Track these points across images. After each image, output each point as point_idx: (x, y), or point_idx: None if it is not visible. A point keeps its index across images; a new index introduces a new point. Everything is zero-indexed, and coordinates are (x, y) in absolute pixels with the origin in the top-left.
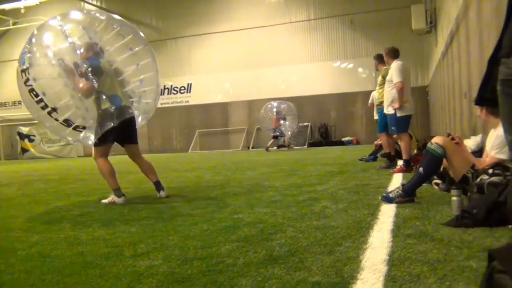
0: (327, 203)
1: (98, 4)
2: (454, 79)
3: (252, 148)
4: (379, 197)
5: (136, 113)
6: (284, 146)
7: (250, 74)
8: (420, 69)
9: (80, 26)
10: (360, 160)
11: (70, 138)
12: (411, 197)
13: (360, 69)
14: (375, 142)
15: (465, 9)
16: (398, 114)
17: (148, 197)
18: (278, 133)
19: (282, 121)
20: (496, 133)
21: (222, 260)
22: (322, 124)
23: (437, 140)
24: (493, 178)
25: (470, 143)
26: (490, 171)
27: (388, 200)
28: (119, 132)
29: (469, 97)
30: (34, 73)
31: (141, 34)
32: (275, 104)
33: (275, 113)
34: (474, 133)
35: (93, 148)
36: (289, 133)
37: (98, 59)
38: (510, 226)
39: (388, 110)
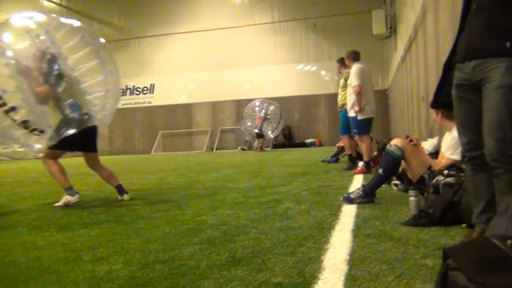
0: (290, 204)
1: (58, 1)
2: (413, 83)
3: (216, 149)
4: (341, 198)
5: (98, 121)
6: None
7: (214, 75)
8: (381, 73)
9: (43, 29)
10: (323, 161)
11: (18, 143)
12: (371, 197)
13: (323, 72)
14: (337, 144)
15: (423, 16)
16: (359, 117)
17: (109, 200)
18: (258, 130)
19: (265, 121)
20: (451, 135)
21: (184, 263)
22: (285, 126)
23: (396, 142)
24: (448, 179)
25: (427, 145)
26: (446, 172)
27: (349, 200)
28: (78, 140)
29: (426, 100)
30: None
31: (103, 40)
32: (257, 103)
33: (257, 110)
34: (431, 135)
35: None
36: (271, 134)
37: (59, 64)
38: (464, 225)
39: (351, 113)
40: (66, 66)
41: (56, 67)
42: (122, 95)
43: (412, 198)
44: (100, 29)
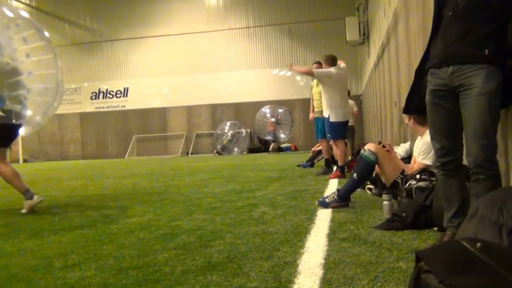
0: (266, 208)
1: (27, 2)
2: (385, 89)
3: (191, 154)
4: (316, 202)
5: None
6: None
7: (189, 80)
8: (355, 78)
9: None
10: (298, 166)
11: None
12: (345, 201)
13: (298, 77)
14: (312, 149)
15: (395, 23)
16: (332, 120)
17: (81, 205)
18: (271, 136)
19: (276, 126)
20: (423, 141)
21: (159, 268)
22: None
23: (369, 147)
24: (420, 183)
25: (400, 150)
26: (418, 176)
27: (324, 205)
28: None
29: (399, 106)
30: None
31: (46, 32)
32: (267, 110)
33: (268, 116)
34: (404, 140)
35: None
36: (283, 137)
37: None
38: (435, 228)
39: (325, 114)
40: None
41: None
42: (95, 98)
43: (385, 202)
44: (71, 31)
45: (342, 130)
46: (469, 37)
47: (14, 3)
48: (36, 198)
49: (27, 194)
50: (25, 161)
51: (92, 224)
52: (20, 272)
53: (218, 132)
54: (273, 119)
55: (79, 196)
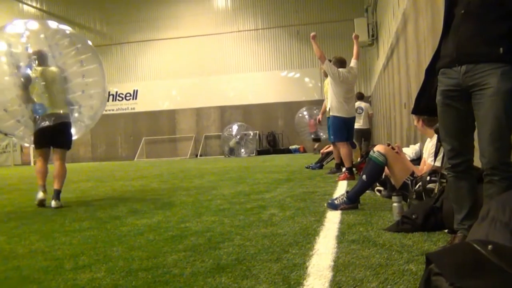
0: (274, 210)
1: (38, 6)
2: (395, 90)
3: (200, 156)
4: (325, 204)
5: (75, 119)
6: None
7: (198, 82)
8: (363, 80)
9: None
10: (307, 168)
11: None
12: (355, 203)
13: (306, 79)
14: (322, 151)
15: (404, 24)
16: (331, 113)
17: (91, 206)
18: (314, 136)
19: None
20: (433, 142)
21: (168, 270)
22: (270, 132)
23: (379, 148)
24: (431, 185)
25: (409, 151)
26: (428, 178)
27: (333, 207)
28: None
29: (408, 107)
30: None
31: (90, 42)
32: (305, 112)
33: (307, 117)
34: (413, 141)
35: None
36: (323, 136)
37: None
38: (446, 230)
39: (329, 114)
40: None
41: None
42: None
43: (395, 204)
44: (81, 35)
45: (342, 130)
46: (483, 35)
47: (25, 8)
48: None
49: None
50: (36, 163)
51: (102, 225)
52: (31, 273)
53: (226, 134)
54: (312, 120)
55: (89, 198)
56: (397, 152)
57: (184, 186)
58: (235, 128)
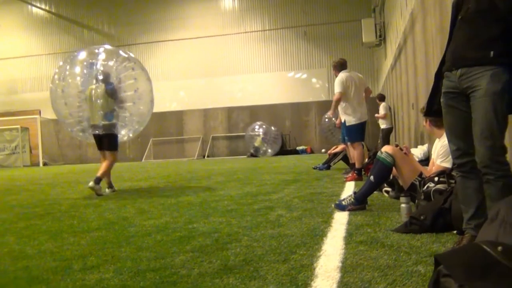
0: (282, 211)
1: (47, 8)
2: (402, 90)
3: (208, 156)
4: (332, 205)
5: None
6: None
7: (205, 83)
8: (371, 80)
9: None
10: (314, 168)
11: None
12: (362, 204)
13: (313, 80)
14: (329, 151)
15: (412, 24)
16: (347, 124)
17: (99, 207)
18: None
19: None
20: (441, 143)
21: (176, 271)
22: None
23: (387, 149)
24: (439, 186)
25: (417, 152)
26: (436, 179)
27: (341, 208)
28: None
29: (416, 108)
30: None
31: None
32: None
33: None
34: (421, 142)
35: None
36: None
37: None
38: (455, 231)
39: (342, 119)
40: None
41: (111, 86)
42: None
43: (403, 205)
44: (89, 36)
45: (359, 132)
46: (475, 40)
47: (35, 10)
48: (108, 191)
49: (110, 186)
50: (45, 164)
51: (110, 226)
52: (40, 273)
53: (250, 133)
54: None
55: (97, 199)
56: (405, 153)
57: (192, 187)
58: (257, 127)
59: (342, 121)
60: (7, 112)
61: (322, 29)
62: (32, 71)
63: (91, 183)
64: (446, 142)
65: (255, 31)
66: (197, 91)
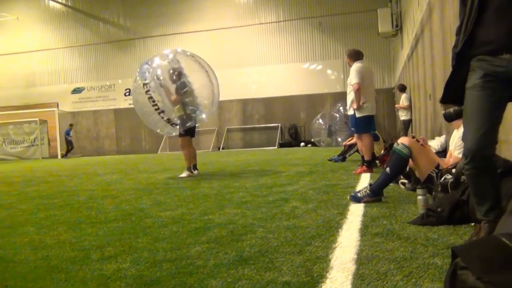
0: (297, 203)
1: (64, 1)
2: (419, 81)
3: (223, 148)
4: (348, 197)
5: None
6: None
7: (220, 75)
8: (387, 71)
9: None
10: (330, 160)
11: (162, 130)
12: (378, 196)
13: (329, 71)
14: (344, 143)
15: (429, 13)
16: (357, 115)
17: (117, 198)
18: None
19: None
20: (459, 134)
21: (192, 262)
22: (292, 125)
23: (403, 140)
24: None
25: (434, 143)
26: (454, 170)
27: (357, 199)
28: (193, 129)
29: (433, 98)
30: (151, 87)
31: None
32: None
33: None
34: (438, 133)
35: (179, 138)
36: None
37: (184, 80)
38: (472, 224)
39: (350, 111)
40: (189, 82)
41: (183, 83)
42: (129, 95)
43: (420, 197)
44: (105, 29)
45: (367, 124)
46: None
47: (51, 3)
48: (190, 173)
49: (188, 169)
50: (62, 156)
51: (127, 217)
52: (59, 263)
53: (321, 121)
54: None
55: (114, 190)
56: (422, 145)
57: (207, 178)
58: (321, 118)
59: (352, 112)
60: (26, 105)
61: (337, 19)
62: (49, 64)
63: (183, 174)
64: None
65: (269, 23)
66: None
